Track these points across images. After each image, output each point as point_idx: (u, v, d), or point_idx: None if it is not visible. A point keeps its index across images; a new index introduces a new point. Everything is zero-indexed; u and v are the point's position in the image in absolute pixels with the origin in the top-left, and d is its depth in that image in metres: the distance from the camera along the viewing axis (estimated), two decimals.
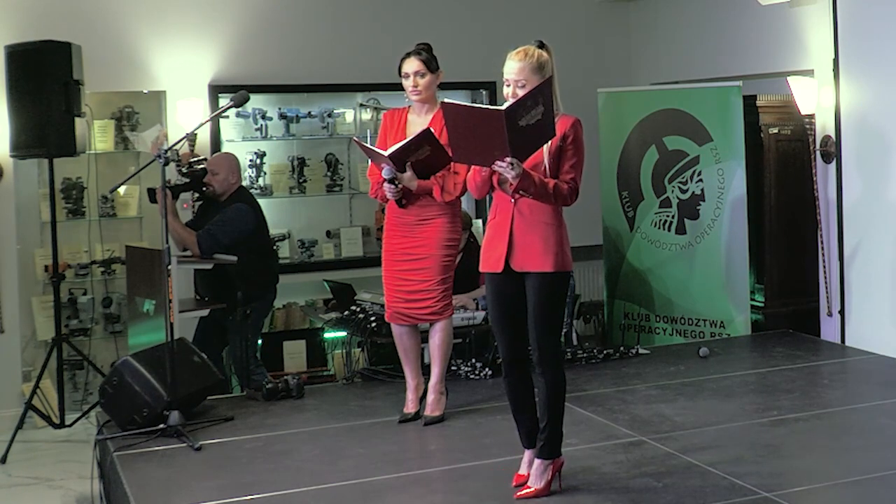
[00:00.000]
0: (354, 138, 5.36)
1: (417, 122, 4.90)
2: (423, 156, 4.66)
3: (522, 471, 4.06)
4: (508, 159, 3.68)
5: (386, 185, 4.75)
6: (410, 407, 5.01)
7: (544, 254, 3.86)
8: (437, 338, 4.95)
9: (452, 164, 4.71)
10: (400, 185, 4.76)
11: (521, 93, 3.80)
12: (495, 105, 3.99)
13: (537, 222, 3.87)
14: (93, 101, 6.53)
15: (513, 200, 3.90)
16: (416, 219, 4.88)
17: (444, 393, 5.01)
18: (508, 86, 3.89)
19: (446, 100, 3.85)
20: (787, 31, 6.59)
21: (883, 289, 6.05)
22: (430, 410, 4.95)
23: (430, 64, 4.88)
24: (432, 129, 4.66)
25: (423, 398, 5.01)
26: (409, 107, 5.00)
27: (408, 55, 4.90)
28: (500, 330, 4.01)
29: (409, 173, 4.71)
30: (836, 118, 6.27)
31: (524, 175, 3.74)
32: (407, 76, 4.87)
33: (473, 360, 5.75)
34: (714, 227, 6.81)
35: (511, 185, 3.79)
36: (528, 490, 3.94)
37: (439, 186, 4.80)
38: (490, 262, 3.97)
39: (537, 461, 3.97)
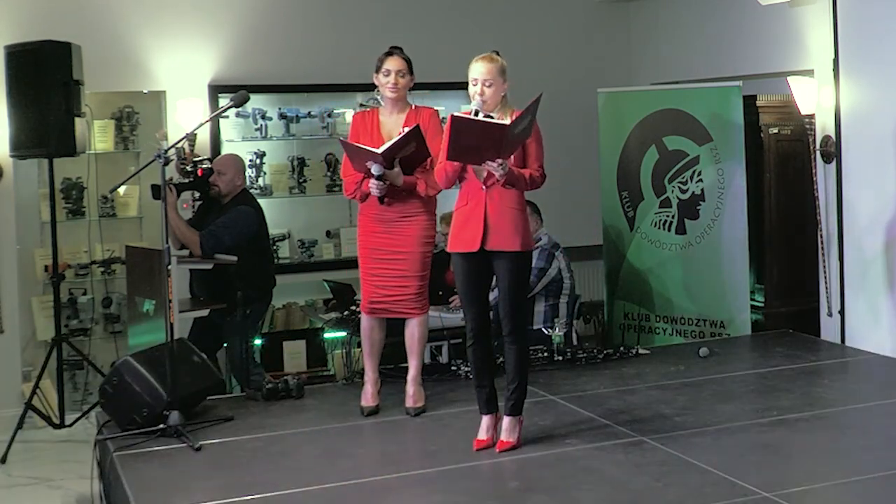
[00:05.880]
0: (340, 138, 5.44)
1: (389, 123, 5.00)
2: (408, 152, 4.80)
3: (482, 436, 4.52)
4: (499, 160, 4.20)
5: (373, 181, 4.82)
6: (370, 400, 5.11)
7: (514, 235, 4.37)
8: (417, 332, 5.08)
9: (429, 159, 4.84)
10: (387, 182, 4.82)
11: (488, 91, 4.36)
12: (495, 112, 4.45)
13: (507, 208, 4.37)
14: (93, 101, 6.53)
15: (484, 188, 4.36)
16: (397, 215, 4.96)
17: (422, 384, 5.15)
18: (475, 84, 4.38)
19: (456, 113, 4.31)
20: (787, 31, 6.59)
21: (883, 289, 6.05)
22: (414, 402, 5.07)
23: (410, 65, 5.00)
24: (420, 125, 4.79)
25: (377, 391, 5.16)
26: (379, 108, 5.09)
27: (390, 53, 4.98)
28: (469, 304, 4.50)
29: (396, 170, 4.83)
30: (836, 118, 6.27)
31: (510, 171, 4.27)
32: (388, 73, 4.94)
33: None
34: (714, 227, 6.80)
35: (498, 180, 4.29)
36: (507, 444, 4.45)
37: (423, 181, 4.91)
38: (464, 242, 4.41)
39: (508, 418, 4.49)
